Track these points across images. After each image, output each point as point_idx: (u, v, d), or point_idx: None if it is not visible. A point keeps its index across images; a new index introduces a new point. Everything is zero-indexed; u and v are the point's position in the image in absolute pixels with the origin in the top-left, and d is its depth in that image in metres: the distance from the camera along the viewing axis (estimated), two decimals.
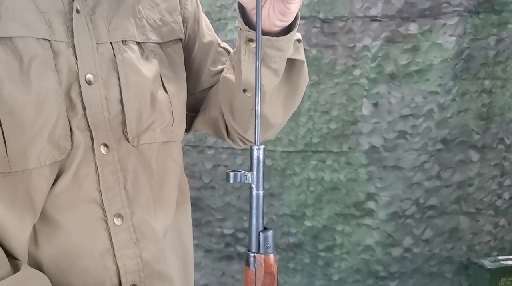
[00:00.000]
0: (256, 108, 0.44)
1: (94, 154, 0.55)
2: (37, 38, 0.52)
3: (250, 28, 0.58)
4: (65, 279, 0.54)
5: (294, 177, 1.74)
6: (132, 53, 0.60)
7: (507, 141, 1.69)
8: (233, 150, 1.72)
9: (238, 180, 0.45)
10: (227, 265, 1.81)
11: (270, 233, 0.45)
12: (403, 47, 1.63)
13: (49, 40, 0.53)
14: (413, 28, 1.62)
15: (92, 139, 0.55)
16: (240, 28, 0.59)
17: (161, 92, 0.63)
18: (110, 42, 0.58)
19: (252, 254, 0.44)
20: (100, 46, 0.57)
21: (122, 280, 0.56)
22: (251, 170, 0.45)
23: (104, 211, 0.55)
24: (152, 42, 0.64)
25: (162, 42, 0.65)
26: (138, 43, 0.62)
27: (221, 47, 0.76)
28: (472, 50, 1.63)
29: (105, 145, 0.56)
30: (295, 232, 1.76)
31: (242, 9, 0.58)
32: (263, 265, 0.44)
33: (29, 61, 0.51)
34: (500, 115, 1.67)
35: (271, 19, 0.55)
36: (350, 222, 1.74)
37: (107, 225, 0.55)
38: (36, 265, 0.54)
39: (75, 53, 0.55)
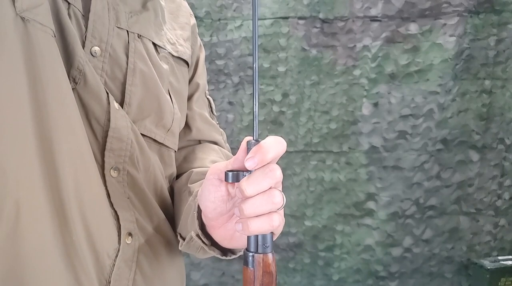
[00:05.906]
0: (254, 109, 0.44)
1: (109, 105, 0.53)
2: None
3: (206, 236, 0.53)
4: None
5: (294, 177, 1.74)
6: (145, 48, 0.60)
7: (507, 142, 1.68)
8: (234, 150, 1.72)
9: (237, 179, 0.44)
10: (227, 265, 1.81)
11: (268, 232, 0.44)
12: (403, 47, 1.63)
13: (68, 2, 0.52)
14: (413, 28, 1.62)
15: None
16: (192, 236, 0.54)
17: (167, 96, 0.62)
18: (127, 31, 0.58)
19: (250, 254, 0.44)
20: (117, 29, 0.57)
21: (121, 223, 0.54)
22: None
23: (103, 160, 0.53)
24: (167, 51, 0.64)
25: (175, 56, 0.65)
26: (154, 44, 0.62)
27: (207, 97, 0.75)
28: (472, 50, 1.63)
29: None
30: (295, 232, 1.76)
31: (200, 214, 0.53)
32: (261, 264, 0.44)
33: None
34: (500, 115, 1.67)
35: (236, 240, 0.51)
36: (350, 222, 1.74)
37: (103, 172, 0.54)
38: None
39: (86, 26, 0.53)
